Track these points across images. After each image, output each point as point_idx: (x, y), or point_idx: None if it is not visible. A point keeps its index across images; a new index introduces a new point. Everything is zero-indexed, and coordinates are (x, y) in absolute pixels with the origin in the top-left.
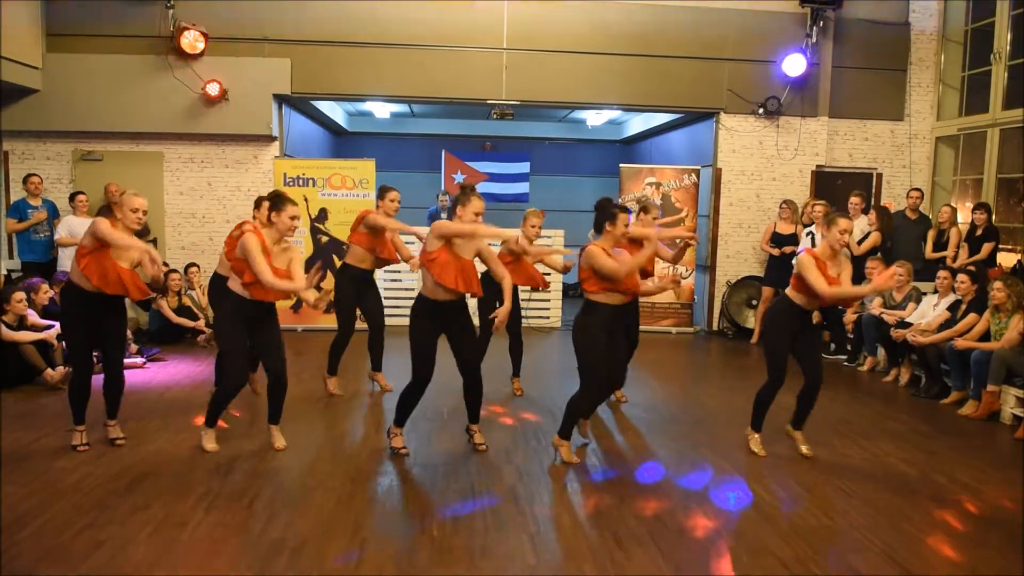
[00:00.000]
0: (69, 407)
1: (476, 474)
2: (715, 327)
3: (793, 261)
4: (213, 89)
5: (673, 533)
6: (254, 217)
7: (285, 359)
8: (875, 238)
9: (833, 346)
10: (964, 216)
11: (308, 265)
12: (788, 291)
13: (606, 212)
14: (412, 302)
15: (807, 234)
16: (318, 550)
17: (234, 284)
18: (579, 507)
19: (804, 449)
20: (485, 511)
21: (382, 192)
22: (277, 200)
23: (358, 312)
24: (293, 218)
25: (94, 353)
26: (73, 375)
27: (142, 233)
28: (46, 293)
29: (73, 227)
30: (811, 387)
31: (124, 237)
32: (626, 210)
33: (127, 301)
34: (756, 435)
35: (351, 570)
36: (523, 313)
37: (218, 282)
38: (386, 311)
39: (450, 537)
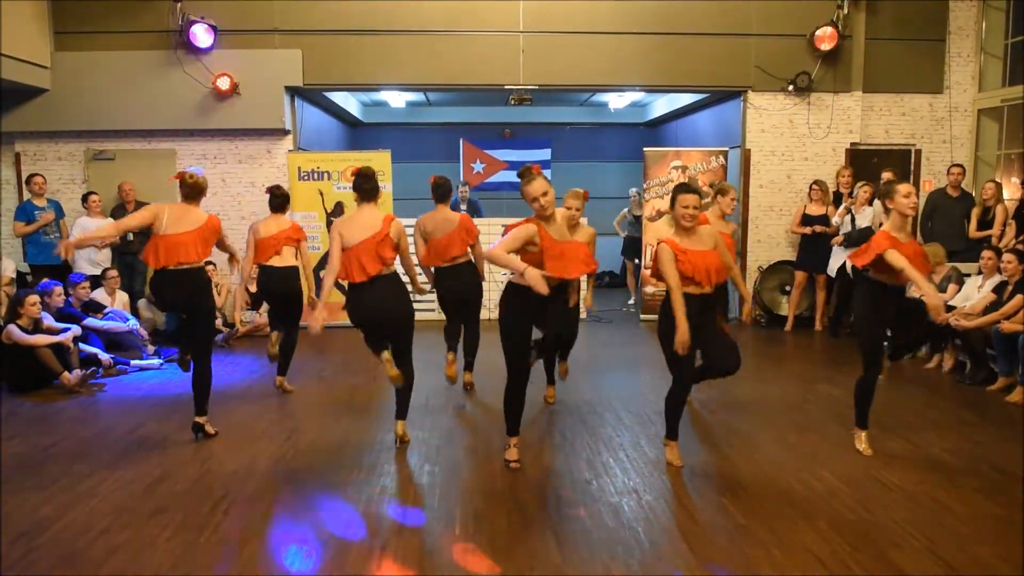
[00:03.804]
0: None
1: (500, 472)
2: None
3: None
4: (224, 83)
5: (704, 529)
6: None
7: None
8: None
9: None
10: (1010, 192)
11: (321, 263)
12: (872, 274)
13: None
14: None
15: (846, 212)
16: (340, 551)
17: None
18: (605, 505)
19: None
20: (510, 510)
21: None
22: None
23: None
24: None
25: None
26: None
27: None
28: (60, 296)
29: (87, 228)
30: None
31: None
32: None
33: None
34: (862, 432)
35: (372, 570)
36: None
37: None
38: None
39: (473, 536)
